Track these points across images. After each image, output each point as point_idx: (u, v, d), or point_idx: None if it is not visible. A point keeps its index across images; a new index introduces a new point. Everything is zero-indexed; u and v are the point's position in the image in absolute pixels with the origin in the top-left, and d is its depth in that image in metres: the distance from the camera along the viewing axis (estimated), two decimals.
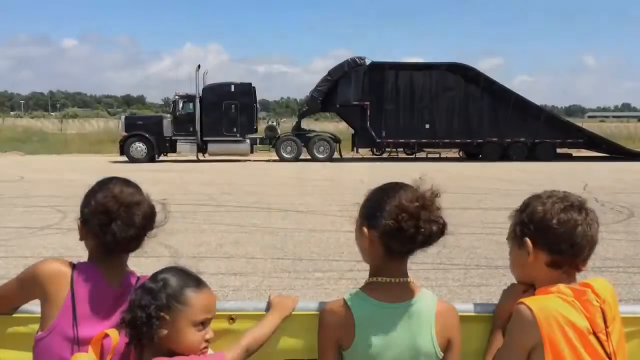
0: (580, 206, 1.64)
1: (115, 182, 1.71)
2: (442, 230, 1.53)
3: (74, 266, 1.65)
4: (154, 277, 1.54)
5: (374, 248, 1.58)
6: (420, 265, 6.61)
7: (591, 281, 1.64)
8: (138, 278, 1.67)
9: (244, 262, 7.01)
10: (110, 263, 1.66)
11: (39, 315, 1.65)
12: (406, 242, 1.53)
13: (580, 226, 1.60)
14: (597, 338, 1.54)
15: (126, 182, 1.71)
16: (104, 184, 1.69)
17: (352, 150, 26.91)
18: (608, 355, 1.55)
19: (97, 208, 1.62)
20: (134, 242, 1.65)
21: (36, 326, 1.65)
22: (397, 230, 1.51)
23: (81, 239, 1.70)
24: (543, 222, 1.62)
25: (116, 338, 1.55)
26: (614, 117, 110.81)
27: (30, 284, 1.65)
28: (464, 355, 1.70)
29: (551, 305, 1.55)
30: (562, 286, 1.59)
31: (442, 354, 1.58)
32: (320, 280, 6.22)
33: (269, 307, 1.74)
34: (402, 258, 1.60)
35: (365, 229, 1.58)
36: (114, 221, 1.60)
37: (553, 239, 1.61)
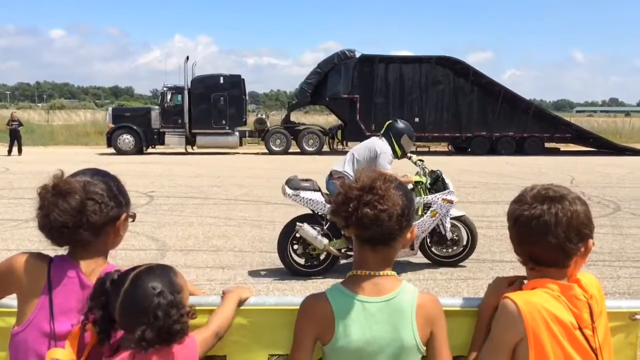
0: (530, 200, 1.59)
1: (78, 172, 1.66)
2: (376, 215, 1.50)
3: (51, 260, 1.61)
4: (148, 284, 1.47)
5: (353, 239, 1.60)
6: (408, 259, 6.63)
7: (579, 276, 1.64)
8: (117, 272, 1.64)
9: (231, 255, 6.98)
10: (88, 256, 1.63)
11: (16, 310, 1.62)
12: (345, 223, 1.54)
13: (519, 220, 1.58)
14: (583, 333, 1.54)
15: (89, 174, 1.66)
16: (72, 175, 1.65)
17: (342, 143, 26.87)
18: (594, 350, 1.54)
19: (39, 195, 1.60)
20: (54, 235, 1.58)
21: (14, 320, 1.62)
22: (335, 211, 1.55)
23: None
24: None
25: (94, 333, 1.52)
26: (601, 111, 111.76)
27: (5, 278, 1.61)
28: (451, 350, 1.69)
29: (536, 300, 1.54)
30: (548, 281, 1.58)
31: (425, 347, 1.57)
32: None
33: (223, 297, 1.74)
34: (372, 248, 1.57)
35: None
36: (39, 210, 1.58)
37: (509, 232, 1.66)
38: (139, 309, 1.43)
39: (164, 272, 1.52)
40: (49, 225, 1.57)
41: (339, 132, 26.72)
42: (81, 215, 1.56)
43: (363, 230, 1.53)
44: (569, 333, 1.53)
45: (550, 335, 1.51)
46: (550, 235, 1.54)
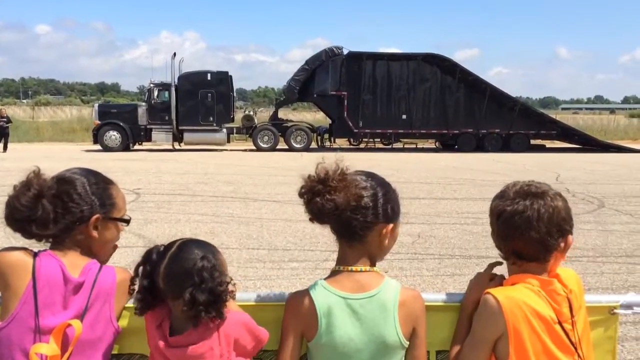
0: (509, 194, 1.62)
1: (68, 169, 1.69)
2: (322, 204, 1.52)
3: (35, 255, 1.61)
4: (193, 253, 1.52)
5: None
6: (395, 255, 6.67)
7: (559, 271, 1.66)
8: (100, 267, 1.63)
9: None
10: (67, 252, 1.63)
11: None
12: (310, 215, 1.57)
13: (501, 214, 1.61)
14: (562, 327, 1.57)
15: (70, 172, 1.68)
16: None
17: (330, 140, 26.90)
18: (573, 344, 1.57)
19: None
20: (13, 227, 1.62)
21: None
22: (304, 204, 1.57)
23: None
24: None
25: (79, 328, 1.52)
26: (587, 109, 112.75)
27: None
28: (434, 344, 1.72)
29: (517, 295, 1.57)
30: (528, 276, 1.61)
31: (407, 343, 1.58)
32: (295, 270, 6.23)
33: None
34: (347, 242, 1.60)
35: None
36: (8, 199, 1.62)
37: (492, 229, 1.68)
38: (184, 270, 1.50)
39: (209, 244, 1.60)
40: (5, 220, 1.61)
41: (327, 132, 26.76)
42: (31, 211, 1.58)
43: (319, 221, 1.57)
44: (549, 327, 1.55)
45: (530, 330, 1.54)
46: (532, 230, 1.57)
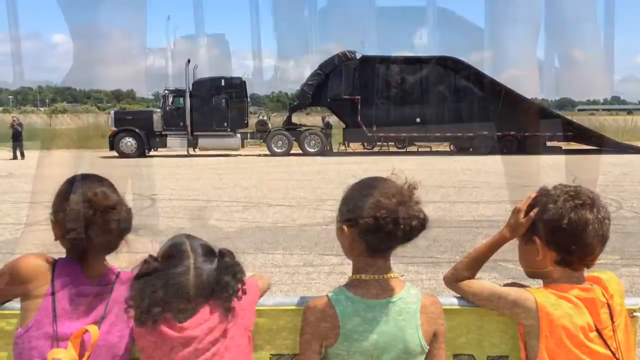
0: (592, 204, 1.60)
1: (87, 182, 1.65)
2: (422, 225, 1.52)
3: (54, 262, 1.63)
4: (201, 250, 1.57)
5: (355, 245, 1.57)
6: (410, 259, 6.64)
7: (599, 274, 1.65)
8: (118, 273, 1.65)
9: None
10: (90, 259, 1.64)
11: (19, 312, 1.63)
12: (386, 239, 1.52)
13: (591, 225, 1.57)
14: (601, 335, 1.54)
15: (99, 181, 1.67)
16: (76, 185, 1.64)
17: (343, 144, 26.88)
18: (613, 350, 1.55)
19: (72, 214, 1.57)
20: (111, 245, 1.64)
21: (16, 321, 1.63)
22: (376, 227, 1.50)
23: (56, 239, 1.65)
24: (553, 222, 1.59)
25: (96, 334, 1.54)
26: (603, 110, 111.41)
27: (9, 280, 1.62)
28: (451, 348, 1.71)
29: (555, 302, 1.56)
30: (566, 286, 1.59)
31: (428, 347, 1.58)
32: (311, 275, 6.23)
33: None
34: (384, 254, 1.58)
35: (345, 227, 1.56)
36: (89, 227, 1.57)
37: (563, 240, 1.58)
38: (220, 271, 1.56)
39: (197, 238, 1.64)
40: (111, 240, 1.62)
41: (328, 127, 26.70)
42: (129, 224, 1.66)
43: (407, 242, 1.54)
44: (586, 336, 1.54)
45: (564, 336, 1.53)
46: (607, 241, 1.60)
